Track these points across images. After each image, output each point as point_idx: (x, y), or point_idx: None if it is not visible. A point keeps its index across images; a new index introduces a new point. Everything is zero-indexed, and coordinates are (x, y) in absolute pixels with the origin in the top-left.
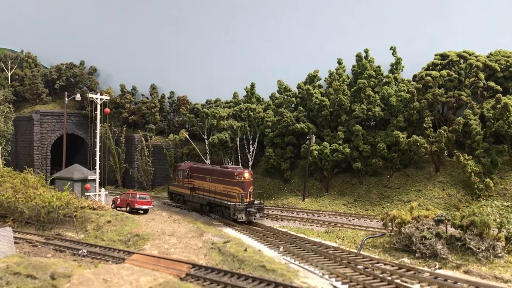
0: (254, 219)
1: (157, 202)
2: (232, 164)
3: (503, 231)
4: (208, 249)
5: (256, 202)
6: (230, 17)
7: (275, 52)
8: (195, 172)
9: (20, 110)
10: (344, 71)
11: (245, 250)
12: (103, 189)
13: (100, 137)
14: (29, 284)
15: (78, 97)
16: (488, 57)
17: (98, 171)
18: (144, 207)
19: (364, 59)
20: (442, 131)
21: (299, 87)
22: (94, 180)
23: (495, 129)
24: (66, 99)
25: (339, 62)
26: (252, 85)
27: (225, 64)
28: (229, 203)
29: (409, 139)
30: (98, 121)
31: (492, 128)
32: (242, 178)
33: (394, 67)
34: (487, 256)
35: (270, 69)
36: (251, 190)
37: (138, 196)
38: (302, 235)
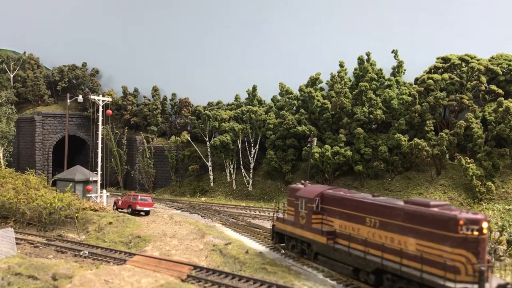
0: None
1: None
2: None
3: (504, 235)
4: (209, 251)
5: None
6: (232, 20)
7: (277, 55)
8: (334, 204)
9: (22, 111)
10: (345, 74)
11: (247, 252)
12: (104, 191)
13: (102, 138)
14: (30, 285)
15: (80, 98)
16: (490, 60)
17: (99, 172)
18: (146, 208)
19: (366, 62)
20: (444, 134)
21: (300, 89)
22: (95, 181)
23: (497, 133)
24: (68, 100)
25: (341, 65)
26: (254, 88)
27: (227, 66)
28: (445, 283)
29: (410, 142)
30: (100, 123)
31: (494, 132)
32: (477, 232)
33: (396, 70)
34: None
35: (272, 72)
36: (488, 256)
37: (139, 197)
38: None
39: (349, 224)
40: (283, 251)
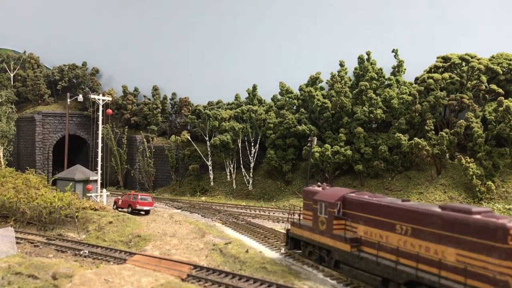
0: None
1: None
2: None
3: None
4: (209, 250)
5: None
6: (232, 19)
7: (277, 54)
8: (358, 208)
9: (22, 110)
10: (346, 73)
11: (247, 251)
12: (104, 190)
13: (102, 138)
14: (30, 284)
15: (80, 98)
16: (490, 60)
17: (99, 172)
18: (146, 208)
19: (366, 62)
20: (444, 134)
21: (301, 89)
22: (95, 181)
23: (497, 132)
24: (68, 100)
25: (341, 64)
26: (254, 87)
27: (227, 65)
28: None
29: (410, 142)
30: (100, 122)
31: (494, 131)
32: None
33: (396, 69)
34: None
35: (272, 71)
36: None
37: (139, 197)
38: None
39: (376, 230)
40: (283, 250)
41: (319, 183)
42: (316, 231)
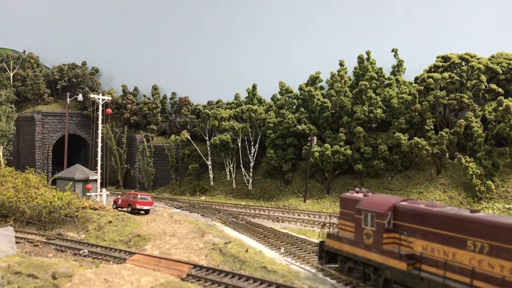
0: None
1: None
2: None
3: None
4: (209, 250)
5: None
6: (232, 19)
7: (277, 54)
8: (414, 220)
9: (22, 110)
10: (345, 72)
11: (246, 251)
12: (104, 190)
13: (102, 137)
14: (30, 284)
15: (80, 97)
16: (490, 59)
17: (99, 171)
18: (145, 207)
19: (365, 61)
20: (444, 133)
21: (300, 88)
22: (95, 180)
23: (497, 132)
24: (68, 99)
25: (341, 64)
26: (254, 86)
27: (227, 65)
28: None
29: (410, 141)
30: (99, 122)
31: (494, 131)
32: None
33: (396, 69)
34: None
35: (272, 71)
36: None
37: (139, 196)
38: (303, 237)
39: (439, 246)
40: (282, 250)
41: (357, 189)
42: (360, 245)
